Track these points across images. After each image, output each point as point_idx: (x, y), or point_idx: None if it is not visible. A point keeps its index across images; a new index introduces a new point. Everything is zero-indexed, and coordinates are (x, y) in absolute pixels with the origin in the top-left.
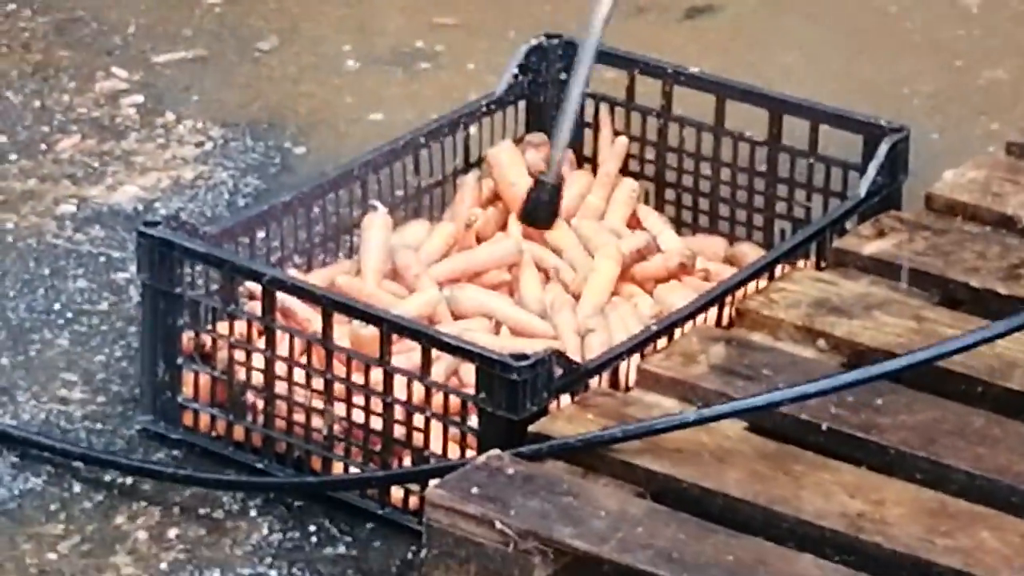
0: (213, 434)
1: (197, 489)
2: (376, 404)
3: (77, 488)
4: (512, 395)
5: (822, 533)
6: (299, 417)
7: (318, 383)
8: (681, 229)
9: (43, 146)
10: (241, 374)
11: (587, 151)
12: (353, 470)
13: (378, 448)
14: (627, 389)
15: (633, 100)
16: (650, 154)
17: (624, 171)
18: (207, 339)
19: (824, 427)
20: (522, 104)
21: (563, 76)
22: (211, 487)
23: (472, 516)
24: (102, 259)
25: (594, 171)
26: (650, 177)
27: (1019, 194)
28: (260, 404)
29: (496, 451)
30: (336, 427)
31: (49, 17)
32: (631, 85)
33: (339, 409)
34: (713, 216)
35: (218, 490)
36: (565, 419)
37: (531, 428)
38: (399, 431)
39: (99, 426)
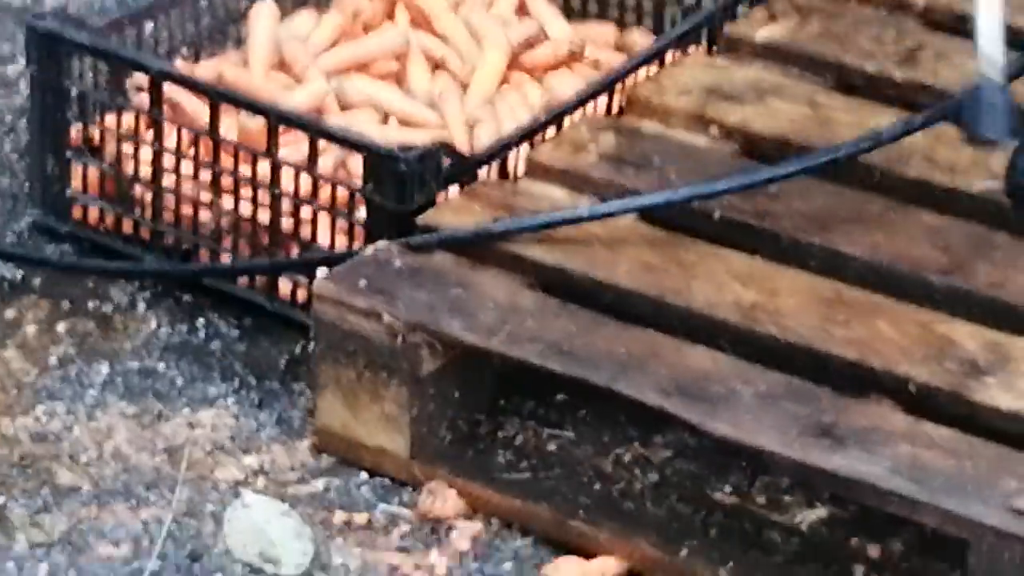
0: (102, 228)
1: (86, 284)
2: (264, 197)
3: None
4: (400, 186)
5: (714, 324)
6: (187, 210)
7: (205, 176)
8: (570, 17)
9: None
10: (129, 167)
11: None
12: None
13: (266, 241)
14: (516, 179)
15: None
16: None
17: None
18: (95, 132)
19: (716, 215)
20: None
21: None
22: (95, 274)
23: (360, 309)
24: None
25: None
26: None
27: None
28: (148, 197)
29: (384, 243)
30: (223, 220)
31: None
32: None
33: (227, 202)
34: (603, 3)
35: (104, 277)
36: (453, 210)
37: (419, 219)
38: (287, 224)
39: None
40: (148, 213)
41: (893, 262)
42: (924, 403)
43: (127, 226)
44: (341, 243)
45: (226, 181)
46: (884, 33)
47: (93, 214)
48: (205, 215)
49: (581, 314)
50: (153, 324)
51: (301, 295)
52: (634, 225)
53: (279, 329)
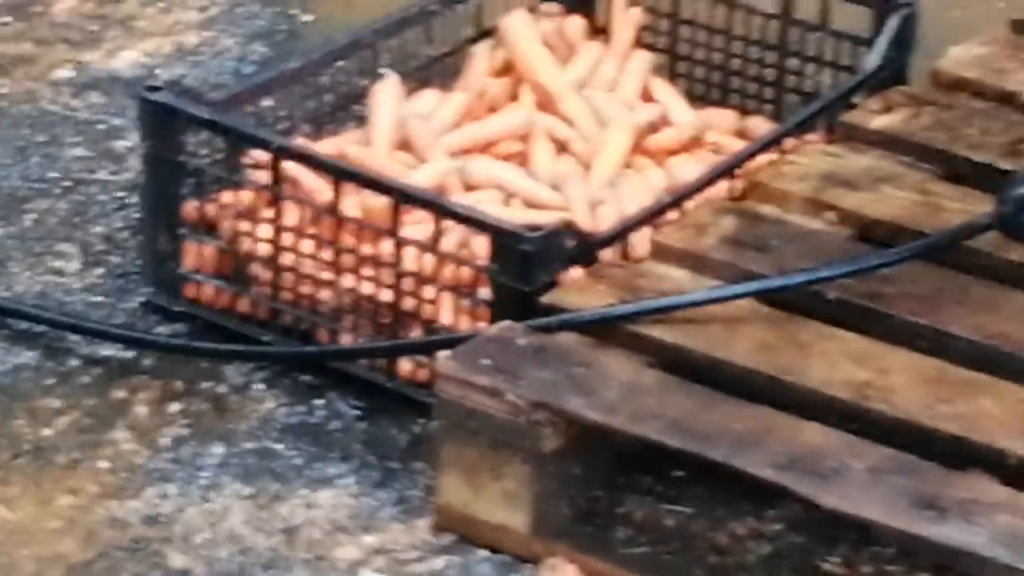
0: (216, 307)
1: (200, 364)
2: (386, 276)
3: (74, 362)
4: (524, 266)
5: (828, 401)
6: (306, 289)
7: (326, 254)
8: (693, 102)
9: (38, 8)
10: (246, 245)
11: (600, 22)
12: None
13: (387, 321)
14: (638, 260)
15: None
16: (664, 26)
17: (637, 43)
18: (210, 209)
19: (831, 297)
20: None
21: None
22: (212, 357)
23: (483, 387)
24: (101, 127)
25: (606, 43)
26: (663, 49)
27: (1021, 71)
28: (266, 276)
29: (507, 322)
30: (344, 299)
31: None
32: None
33: (348, 281)
34: (724, 89)
35: (219, 361)
36: (577, 290)
37: (543, 299)
38: (409, 303)
39: (98, 299)
40: (266, 292)
41: (997, 342)
42: (1023, 475)
43: (242, 305)
44: (464, 322)
45: (347, 260)
46: (991, 125)
47: (207, 293)
48: (325, 294)
49: (700, 392)
50: (270, 404)
51: (422, 374)
52: (752, 305)
53: (399, 408)
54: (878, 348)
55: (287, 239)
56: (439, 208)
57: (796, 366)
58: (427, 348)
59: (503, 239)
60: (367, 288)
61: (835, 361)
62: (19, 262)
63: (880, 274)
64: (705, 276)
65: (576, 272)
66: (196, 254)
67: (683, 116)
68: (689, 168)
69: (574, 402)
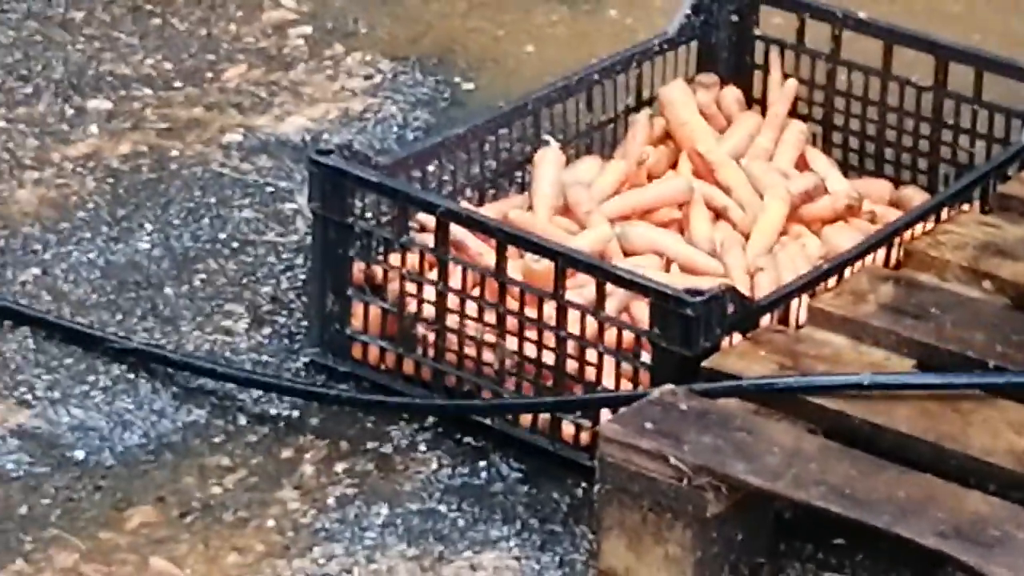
0: (382, 367)
1: (366, 423)
2: (549, 338)
3: (242, 421)
4: (686, 330)
5: (990, 469)
6: (470, 351)
7: (490, 316)
8: (848, 172)
9: (209, 74)
10: (412, 306)
11: (756, 93)
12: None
13: (550, 383)
14: (798, 327)
15: (803, 43)
16: (818, 97)
17: (792, 113)
18: (378, 270)
19: (991, 365)
20: (694, 45)
21: (734, 18)
22: (374, 409)
23: (646, 451)
24: (269, 189)
25: (763, 113)
26: (818, 120)
27: None
28: (431, 337)
29: (670, 386)
30: (508, 361)
31: None
32: (801, 28)
33: (511, 343)
34: (879, 159)
35: (383, 416)
36: (738, 355)
37: (705, 364)
38: (571, 365)
39: (264, 358)
40: (430, 353)
41: None
42: None
43: (408, 366)
44: (625, 386)
45: (511, 322)
46: None
47: (373, 353)
48: (488, 356)
49: (861, 459)
50: (434, 465)
51: (584, 438)
52: (911, 371)
53: (561, 471)
54: None
55: (452, 301)
56: (602, 272)
57: (957, 433)
58: (587, 405)
59: (665, 303)
60: (530, 350)
61: (997, 429)
62: (189, 321)
63: None
64: (864, 343)
65: (736, 337)
66: (362, 315)
67: (838, 185)
68: (845, 237)
69: (737, 467)
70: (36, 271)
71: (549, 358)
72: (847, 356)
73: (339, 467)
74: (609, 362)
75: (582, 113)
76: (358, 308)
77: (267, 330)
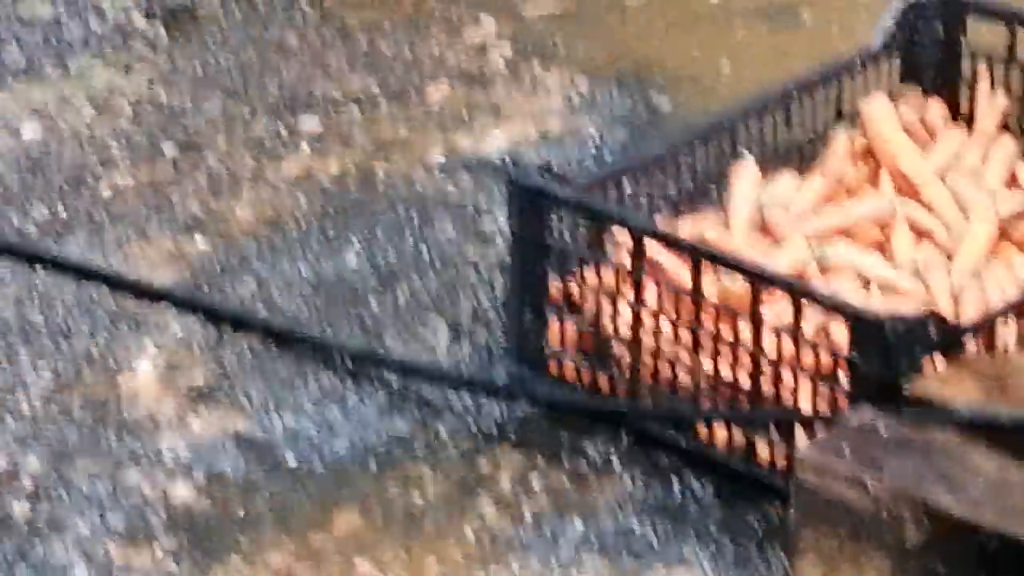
0: (578, 385)
1: (560, 437)
2: (744, 359)
3: (443, 434)
4: (886, 354)
5: None
6: (665, 370)
7: (685, 335)
8: None
9: (413, 95)
10: (608, 324)
11: (963, 108)
12: (720, 431)
13: (745, 404)
14: (1005, 352)
15: (1013, 56)
16: None
17: (1002, 128)
18: (574, 288)
19: None
20: (896, 61)
21: (940, 30)
22: (581, 414)
23: (844, 477)
24: (469, 207)
25: (969, 129)
26: None
27: None
28: (626, 355)
29: (869, 411)
30: (702, 381)
31: None
32: (1012, 41)
33: (706, 363)
34: None
35: (582, 426)
36: (941, 380)
37: (907, 389)
38: (766, 387)
39: (464, 373)
40: (626, 371)
41: None
42: None
43: (603, 383)
44: (822, 409)
45: (706, 341)
46: None
47: (569, 370)
48: (683, 375)
49: None
50: (628, 483)
51: (779, 460)
52: None
53: (755, 494)
54: None
55: (647, 319)
56: (799, 292)
57: None
58: (782, 421)
59: (865, 325)
60: (725, 371)
61: None
62: (392, 336)
63: None
64: None
65: (940, 362)
66: (559, 332)
67: None
68: None
69: (939, 495)
70: (253, 286)
71: (744, 379)
72: None
73: (535, 482)
74: (805, 385)
75: (780, 129)
76: (555, 325)
77: (467, 345)
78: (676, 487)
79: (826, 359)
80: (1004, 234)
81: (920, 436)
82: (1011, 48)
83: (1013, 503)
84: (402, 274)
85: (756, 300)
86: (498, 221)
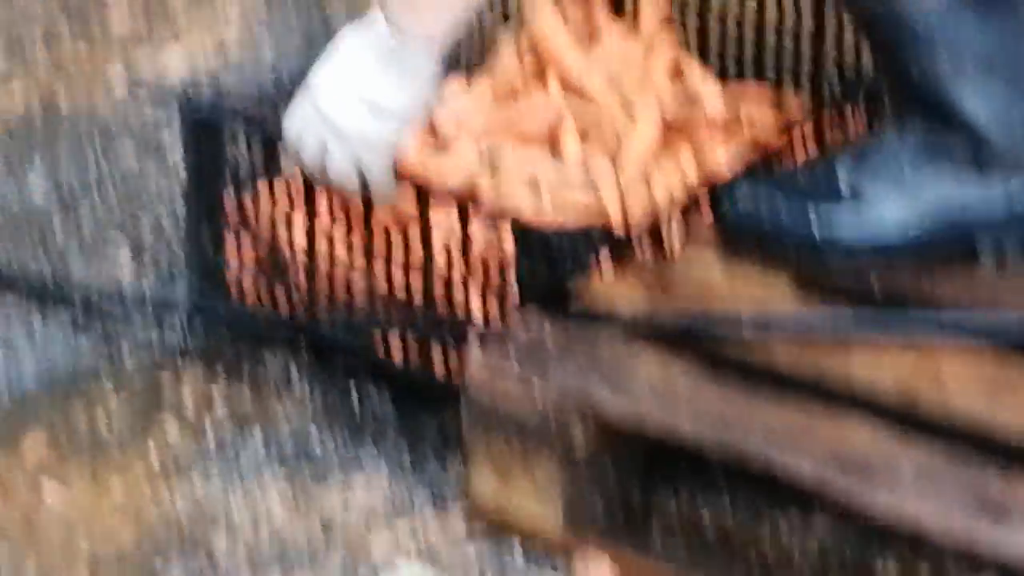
0: (256, 302)
1: (241, 355)
2: (415, 269)
3: (126, 355)
4: (552, 263)
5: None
6: (340, 283)
7: (358, 247)
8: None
9: (94, 14)
10: (283, 239)
11: (627, 4)
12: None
13: (418, 314)
14: (669, 256)
15: None
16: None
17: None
18: (250, 205)
19: (875, 286)
20: None
21: None
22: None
23: (511, 383)
24: (150, 127)
25: (635, 24)
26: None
27: None
28: (301, 271)
29: (536, 318)
30: (376, 293)
31: None
32: None
33: (379, 274)
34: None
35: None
36: (606, 287)
37: (573, 296)
38: (439, 297)
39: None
40: (302, 287)
41: None
42: None
43: (281, 300)
44: (493, 316)
45: (379, 252)
46: None
47: (248, 288)
48: (357, 288)
49: (736, 386)
50: (307, 395)
51: (453, 369)
52: (788, 293)
53: (432, 404)
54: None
55: (321, 233)
56: (464, 201)
57: (839, 361)
58: (457, 328)
59: (529, 236)
60: (399, 280)
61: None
62: (76, 258)
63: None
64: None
65: (606, 268)
66: (237, 250)
67: (714, 97)
68: (722, 152)
69: (604, 395)
70: None
71: (417, 289)
72: (722, 284)
73: (217, 397)
74: (476, 294)
75: None
76: (232, 244)
77: (149, 265)
78: (355, 398)
79: (494, 265)
80: (672, 128)
81: (586, 341)
82: None
83: (675, 401)
84: (84, 197)
85: (424, 210)
86: (174, 135)
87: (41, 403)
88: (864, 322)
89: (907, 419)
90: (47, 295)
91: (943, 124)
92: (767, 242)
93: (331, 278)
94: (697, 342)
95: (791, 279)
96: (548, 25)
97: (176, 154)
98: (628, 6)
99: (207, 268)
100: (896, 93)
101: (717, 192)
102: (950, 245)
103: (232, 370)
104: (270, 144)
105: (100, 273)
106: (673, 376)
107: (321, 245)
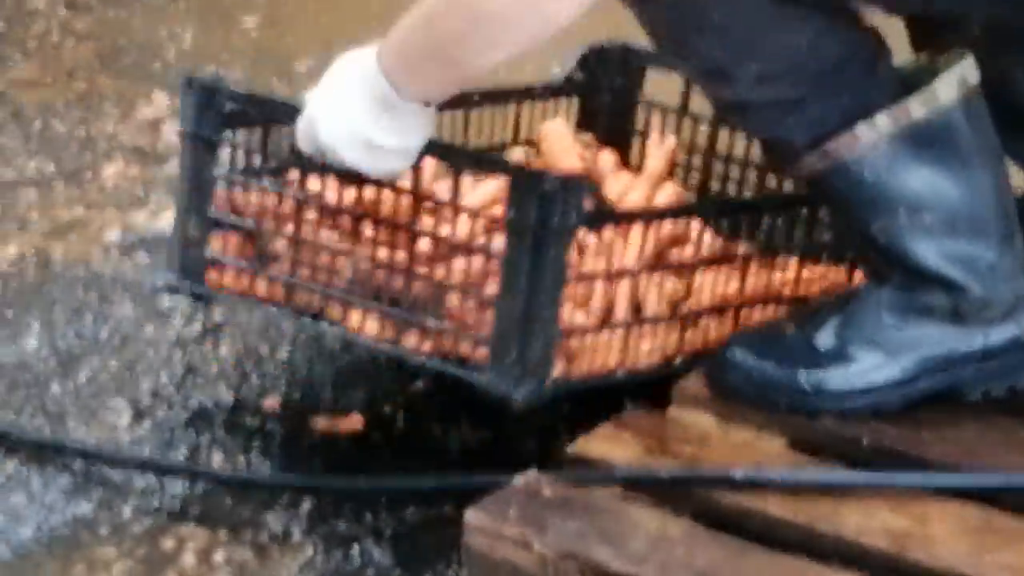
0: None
1: (243, 513)
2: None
3: (127, 514)
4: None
5: (863, 550)
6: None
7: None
8: None
9: (89, 174)
10: (269, 230)
11: (634, 159)
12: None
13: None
14: (665, 409)
15: (687, 109)
16: (697, 163)
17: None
18: (239, 195)
19: (864, 442)
20: (575, 104)
21: (618, 82)
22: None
23: (510, 539)
24: (147, 285)
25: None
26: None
27: None
28: (286, 261)
29: (534, 473)
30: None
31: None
32: (687, 91)
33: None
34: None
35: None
36: (602, 440)
37: (569, 450)
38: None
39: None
40: (286, 275)
41: None
42: None
43: (261, 289)
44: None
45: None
46: None
47: (229, 276)
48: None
49: (730, 542)
50: (309, 551)
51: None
52: (784, 452)
53: (433, 558)
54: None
55: (307, 227)
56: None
57: (830, 514)
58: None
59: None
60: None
61: (870, 508)
62: (75, 418)
63: (916, 417)
64: (733, 422)
65: (604, 424)
66: (222, 239)
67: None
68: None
69: (602, 552)
70: None
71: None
72: (715, 438)
73: (219, 556)
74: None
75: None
76: (217, 233)
77: (148, 423)
78: (356, 555)
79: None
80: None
81: (583, 496)
82: (685, 97)
83: (673, 556)
84: (83, 356)
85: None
86: (175, 297)
87: (42, 563)
88: (855, 481)
89: (895, 571)
90: (49, 454)
91: (918, 279)
92: (760, 405)
93: (313, 268)
94: (690, 497)
95: (783, 437)
96: (559, 144)
97: (175, 311)
98: (635, 160)
99: (190, 258)
100: (865, 251)
101: (709, 362)
102: (937, 395)
103: (233, 528)
104: (265, 131)
105: (100, 432)
106: (670, 530)
107: (307, 237)
